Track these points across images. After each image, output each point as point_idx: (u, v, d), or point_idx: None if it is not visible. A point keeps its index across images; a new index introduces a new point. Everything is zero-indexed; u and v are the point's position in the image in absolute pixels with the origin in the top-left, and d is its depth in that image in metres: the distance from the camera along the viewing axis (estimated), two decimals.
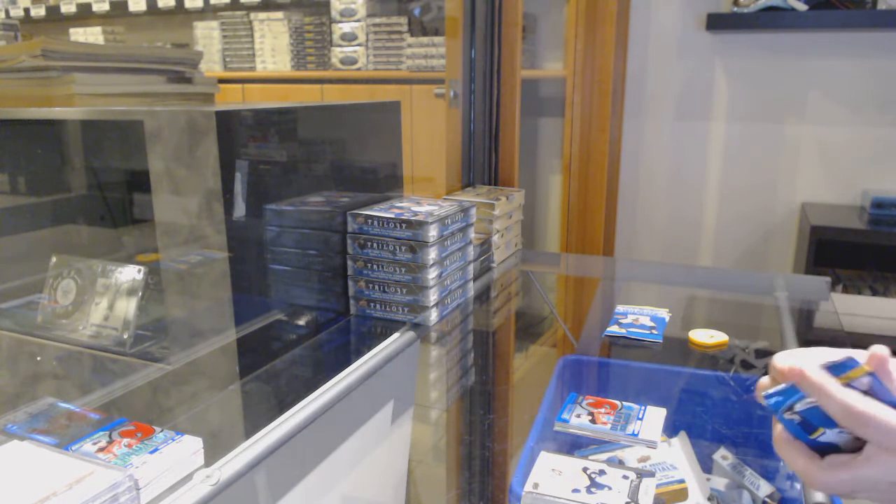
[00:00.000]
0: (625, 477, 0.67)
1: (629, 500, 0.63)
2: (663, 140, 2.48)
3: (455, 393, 1.07)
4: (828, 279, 1.37)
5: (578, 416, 0.87)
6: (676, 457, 0.91)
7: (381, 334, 1.04)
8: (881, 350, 0.56)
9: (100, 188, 1.17)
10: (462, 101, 1.58)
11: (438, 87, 2.26)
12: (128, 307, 0.94)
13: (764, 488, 0.83)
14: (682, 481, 0.84)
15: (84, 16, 3.25)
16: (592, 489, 0.65)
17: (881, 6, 2.03)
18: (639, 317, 1.21)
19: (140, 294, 0.94)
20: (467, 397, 1.05)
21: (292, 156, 0.99)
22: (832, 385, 0.52)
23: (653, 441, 0.81)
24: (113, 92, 1.14)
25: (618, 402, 0.89)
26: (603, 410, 0.87)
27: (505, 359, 1.22)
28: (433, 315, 1.07)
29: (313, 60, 2.74)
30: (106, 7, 3.17)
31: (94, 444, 0.63)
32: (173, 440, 0.65)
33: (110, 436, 0.65)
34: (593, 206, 2.29)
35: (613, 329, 1.16)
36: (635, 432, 0.83)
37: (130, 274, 0.96)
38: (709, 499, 0.84)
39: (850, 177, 2.27)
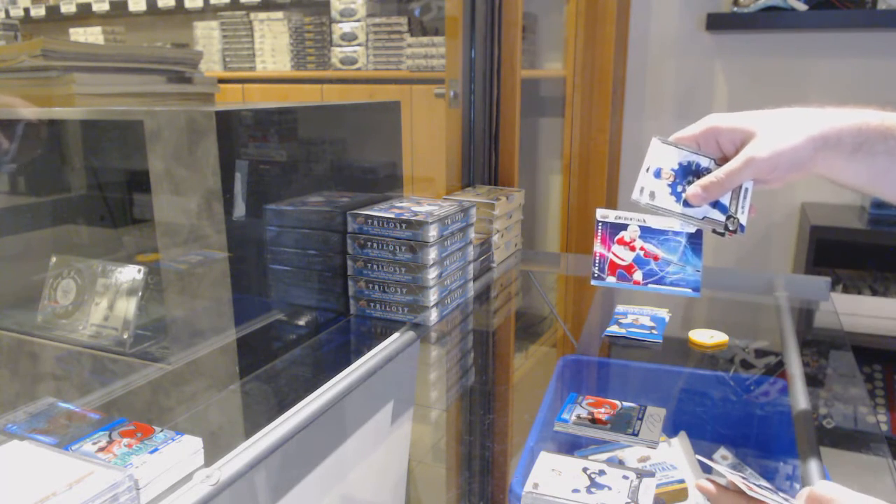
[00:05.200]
0: (625, 477, 0.67)
1: (629, 500, 0.63)
2: None
3: (455, 393, 1.07)
4: (828, 279, 1.37)
5: (578, 416, 0.87)
6: (676, 457, 0.91)
7: (381, 334, 1.04)
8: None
9: (100, 188, 1.17)
10: (462, 101, 1.58)
11: (438, 87, 2.26)
12: (128, 307, 0.94)
13: None
14: (682, 481, 0.84)
15: (84, 16, 3.25)
16: (592, 489, 0.65)
17: (881, 6, 2.03)
18: (639, 317, 1.21)
19: (140, 294, 0.94)
20: (467, 397, 1.05)
21: (292, 156, 0.99)
22: None
23: (653, 441, 0.81)
24: (113, 92, 1.14)
25: (618, 402, 0.89)
26: (603, 410, 0.87)
27: (505, 359, 1.22)
28: (433, 315, 1.07)
29: (313, 60, 2.74)
30: (106, 7, 3.17)
31: (94, 444, 0.63)
32: (173, 440, 0.65)
33: (110, 436, 0.65)
34: (593, 206, 2.29)
35: (613, 329, 1.16)
36: (635, 432, 0.83)
37: (130, 274, 0.96)
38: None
39: None
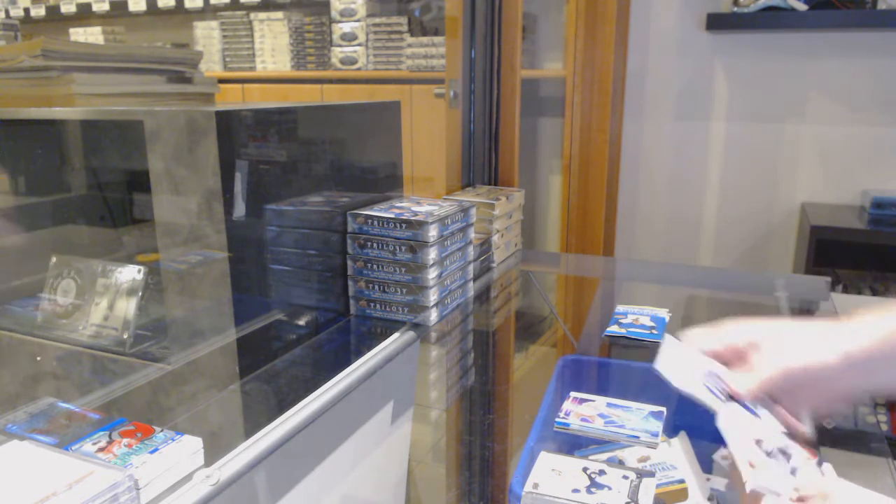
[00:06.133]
0: (625, 477, 0.67)
1: (629, 500, 0.63)
2: (663, 140, 2.48)
3: (455, 393, 1.07)
4: (828, 279, 1.37)
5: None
6: (676, 457, 0.91)
7: (381, 334, 1.04)
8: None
9: (100, 188, 1.17)
10: (462, 101, 1.58)
11: (438, 87, 2.26)
12: (128, 307, 0.94)
13: None
14: (682, 481, 0.84)
15: (84, 16, 3.25)
16: (592, 489, 0.65)
17: (881, 6, 2.04)
18: (639, 317, 1.21)
19: (140, 294, 0.94)
20: (467, 397, 1.05)
21: (292, 156, 0.99)
22: None
23: (653, 441, 0.81)
24: (113, 92, 1.14)
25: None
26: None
27: (505, 359, 1.22)
28: (433, 315, 1.07)
29: (313, 60, 2.74)
30: (106, 7, 3.17)
31: (94, 444, 0.63)
32: (173, 440, 0.65)
33: (110, 436, 0.65)
34: (593, 206, 2.29)
35: (613, 329, 1.16)
36: (635, 432, 0.83)
37: (130, 274, 0.96)
38: (709, 499, 0.84)
39: (850, 177, 2.27)
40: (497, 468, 0.86)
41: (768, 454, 0.62)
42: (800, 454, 0.62)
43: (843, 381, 0.61)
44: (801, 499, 0.56)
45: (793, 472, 0.60)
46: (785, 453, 0.62)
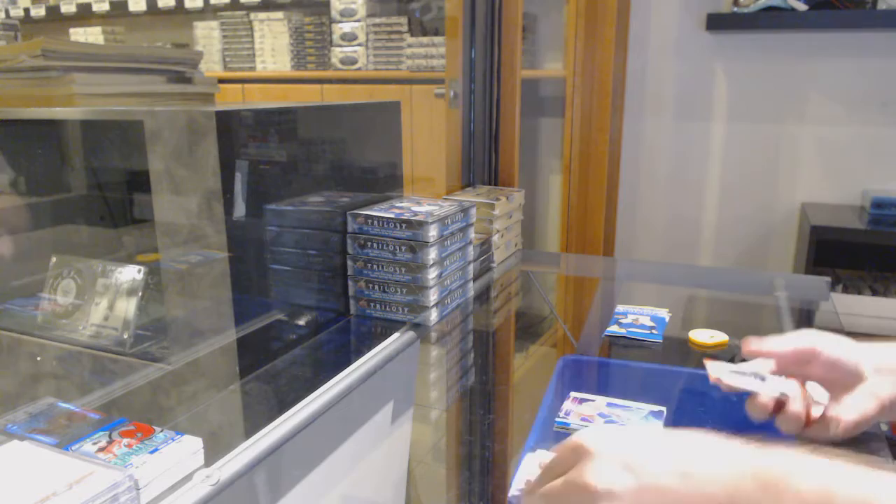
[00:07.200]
0: None
1: None
2: (663, 140, 2.48)
3: (455, 393, 1.06)
4: (828, 279, 1.37)
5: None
6: None
7: (381, 334, 1.04)
8: None
9: (100, 188, 1.17)
10: (462, 101, 1.58)
11: (438, 87, 2.26)
12: (128, 307, 0.94)
13: None
14: None
15: (84, 16, 3.25)
16: None
17: (881, 6, 2.04)
18: (639, 317, 1.21)
19: (140, 294, 0.94)
20: (467, 397, 1.05)
21: (292, 156, 0.99)
22: None
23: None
24: (113, 92, 1.14)
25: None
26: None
27: (505, 359, 1.22)
28: (433, 315, 1.07)
29: (313, 60, 2.74)
30: (106, 7, 3.17)
31: (94, 444, 0.63)
32: (173, 440, 0.65)
33: (110, 436, 0.65)
34: (593, 206, 2.29)
35: (613, 329, 1.16)
36: None
37: (130, 274, 0.96)
38: None
39: (850, 177, 2.27)
40: (497, 468, 0.86)
41: (741, 373, 0.65)
42: (774, 377, 0.64)
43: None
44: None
45: (762, 378, 0.63)
46: (758, 375, 0.64)
